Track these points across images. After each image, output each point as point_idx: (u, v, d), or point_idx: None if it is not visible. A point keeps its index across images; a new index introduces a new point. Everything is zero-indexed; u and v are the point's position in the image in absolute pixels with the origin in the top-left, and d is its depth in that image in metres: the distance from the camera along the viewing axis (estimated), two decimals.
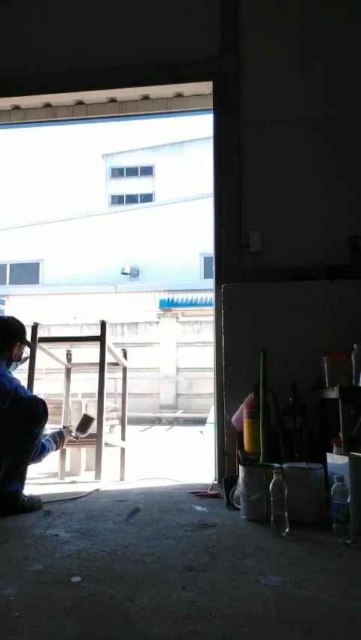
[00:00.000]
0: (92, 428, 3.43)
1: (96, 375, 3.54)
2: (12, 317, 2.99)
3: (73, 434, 3.37)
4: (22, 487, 2.62)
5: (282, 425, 2.76)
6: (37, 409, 2.67)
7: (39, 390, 7.31)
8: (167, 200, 20.92)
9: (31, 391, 3.78)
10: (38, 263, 19.45)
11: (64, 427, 3.43)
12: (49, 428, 5.62)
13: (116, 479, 3.61)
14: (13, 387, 2.67)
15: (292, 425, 2.75)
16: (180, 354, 13.35)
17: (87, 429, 3.43)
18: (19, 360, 2.95)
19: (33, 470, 3.67)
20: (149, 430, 10.31)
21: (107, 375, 3.55)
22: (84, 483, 3.41)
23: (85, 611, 1.40)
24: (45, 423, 2.75)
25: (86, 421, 3.44)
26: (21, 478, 2.64)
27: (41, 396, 2.93)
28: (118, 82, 3.83)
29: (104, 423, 3.61)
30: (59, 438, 3.14)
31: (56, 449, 3.14)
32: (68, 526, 2.25)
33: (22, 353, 2.95)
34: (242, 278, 3.36)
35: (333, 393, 2.58)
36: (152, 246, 19.53)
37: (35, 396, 2.77)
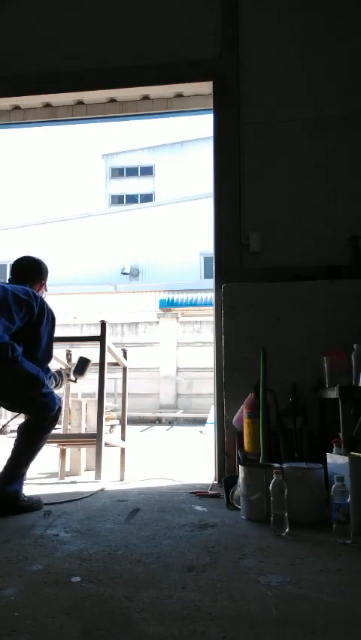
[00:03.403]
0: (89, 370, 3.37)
1: (96, 375, 3.54)
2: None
3: (71, 377, 3.31)
4: (21, 488, 2.62)
5: (282, 425, 2.76)
6: (53, 408, 2.68)
7: None
8: (167, 200, 20.93)
9: None
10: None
11: (62, 369, 3.33)
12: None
13: (116, 479, 3.61)
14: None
15: (292, 425, 2.75)
16: (180, 354, 13.35)
17: (85, 371, 3.35)
18: None
19: (33, 470, 3.67)
20: (149, 430, 10.32)
21: (107, 375, 3.55)
22: (84, 483, 3.41)
23: (85, 611, 1.40)
24: (54, 424, 2.75)
25: (83, 363, 3.36)
26: (21, 478, 2.63)
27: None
28: (118, 82, 3.82)
29: (104, 423, 3.61)
30: (58, 376, 3.07)
31: (55, 387, 3.03)
32: (68, 526, 2.25)
33: (45, 290, 3.01)
34: (242, 278, 3.36)
35: (333, 393, 2.58)
36: (152, 246, 19.54)
37: (53, 398, 2.74)
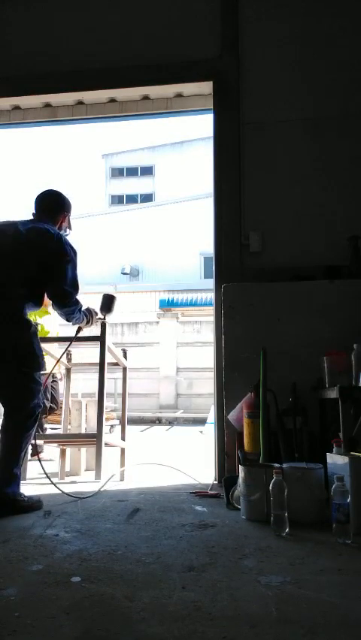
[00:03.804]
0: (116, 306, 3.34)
1: (96, 375, 3.53)
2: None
3: (99, 316, 3.27)
4: (18, 488, 2.60)
5: (282, 425, 2.76)
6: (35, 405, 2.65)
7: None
8: (167, 201, 20.92)
9: None
10: None
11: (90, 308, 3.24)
12: (49, 428, 5.64)
13: (116, 479, 3.61)
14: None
15: (292, 425, 2.75)
16: (180, 354, 13.34)
17: (112, 307, 3.31)
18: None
19: (34, 470, 3.67)
20: (149, 430, 10.31)
21: (107, 375, 3.54)
22: (84, 483, 3.41)
23: (85, 611, 1.40)
24: (36, 419, 2.70)
25: (109, 299, 3.33)
26: (17, 479, 2.61)
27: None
28: (118, 82, 3.82)
29: (104, 423, 3.61)
30: (88, 314, 3.07)
31: (86, 324, 3.08)
32: (68, 526, 2.25)
33: (68, 226, 3.02)
34: (242, 278, 3.36)
35: (333, 393, 2.58)
36: (152, 246, 19.53)
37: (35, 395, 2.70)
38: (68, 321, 2.98)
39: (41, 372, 2.80)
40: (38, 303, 2.82)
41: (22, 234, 2.71)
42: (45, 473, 2.91)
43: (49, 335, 5.04)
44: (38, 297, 2.80)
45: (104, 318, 3.34)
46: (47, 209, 2.93)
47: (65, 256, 2.77)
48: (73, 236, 3.09)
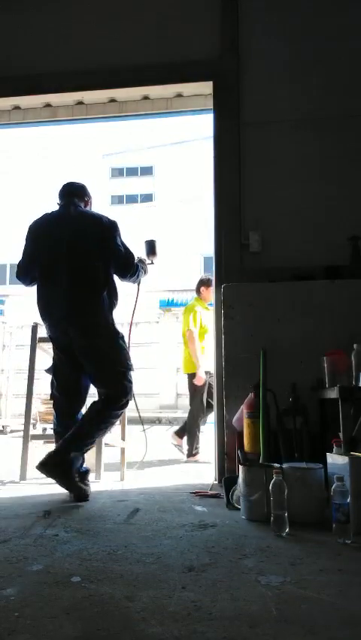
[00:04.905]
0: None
1: None
2: None
3: (148, 261, 3.38)
4: (78, 461, 2.83)
5: (282, 425, 2.76)
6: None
7: (39, 390, 7.31)
8: (167, 201, 20.90)
9: (32, 392, 3.80)
10: None
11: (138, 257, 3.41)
12: (49, 428, 5.62)
13: (116, 479, 3.61)
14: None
15: (292, 425, 2.75)
16: (180, 354, 13.33)
17: (156, 250, 3.42)
18: None
19: (34, 470, 3.67)
20: (149, 429, 10.31)
21: None
22: None
23: (85, 611, 1.40)
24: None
25: (150, 244, 3.43)
26: (82, 451, 2.85)
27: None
28: (118, 82, 3.82)
29: None
30: (140, 265, 3.21)
31: (145, 274, 3.27)
32: (68, 526, 2.25)
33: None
34: (242, 278, 3.36)
35: (333, 393, 2.58)
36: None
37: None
38: (134, 283, 3.23)
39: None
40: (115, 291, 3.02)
41: (86, 231, 2.94)
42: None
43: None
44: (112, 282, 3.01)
45: (153, 263, 3.43)
46: (79, 196, 3.13)
47: (115, 236, 2.98)
48: None
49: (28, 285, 3.07)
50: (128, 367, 2.96)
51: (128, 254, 3.03)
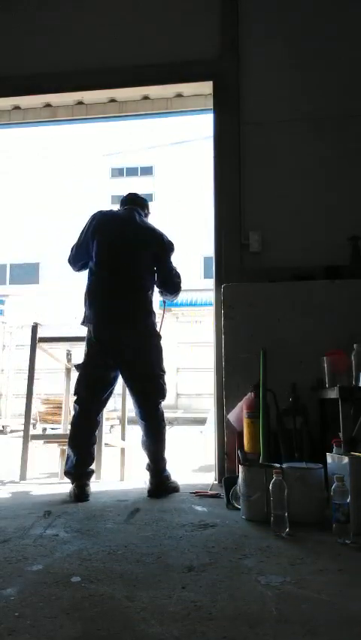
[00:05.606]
0: None
1: None
2: None
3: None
4: (166, 470, 2.99)
5: (282, 425, 2.76)
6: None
7: (39, 390, 7.32)
8: (167, 200, 20.91)
9: (32, 392, 3.80)
10: (38, 263, 19.44)
11: None
12: (49, 428, 5.63)
13: (116, 479, 3.61)
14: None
15: (292, 425, 2.75)
16: (180, 354, 13.34)
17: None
18: None
19: (34, 470, 3.68)
20: None
21: None
22: None
23: (85, 611, 1.40)
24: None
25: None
26: (165, 461, 3.00)
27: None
28: (118, 82, 3.82)
29: (104, 423, 3.61)
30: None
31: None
32: (68, 526, 2.25)
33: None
34: (242, 278, 3.36)
35: (333, 393, 2.58)
36: None
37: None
38: (171, 300, 3.40)
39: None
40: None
41: (142, 230, 3.07)
42: None
43: None
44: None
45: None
46: (142, 206, 3.27)
47: (170, 253, 3.14)
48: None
49: (77, 271, 3.17)
50: (164, 370, 3.08)
51: (179, 276, 3.20)
